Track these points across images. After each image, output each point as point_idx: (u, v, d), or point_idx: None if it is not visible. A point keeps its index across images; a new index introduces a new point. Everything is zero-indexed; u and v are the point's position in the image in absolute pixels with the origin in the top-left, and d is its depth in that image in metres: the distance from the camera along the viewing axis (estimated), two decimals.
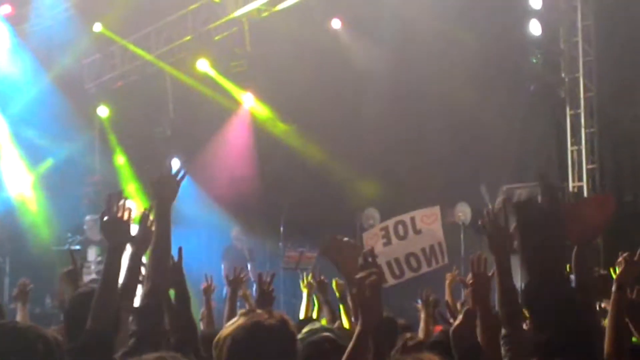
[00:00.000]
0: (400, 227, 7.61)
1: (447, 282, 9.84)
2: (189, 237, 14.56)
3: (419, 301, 8.51)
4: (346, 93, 17.28)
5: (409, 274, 7.26)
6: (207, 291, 9.12)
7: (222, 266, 17.04)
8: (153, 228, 5.43)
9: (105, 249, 14.25)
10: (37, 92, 19.37)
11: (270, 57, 17.86)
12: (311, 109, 17.35)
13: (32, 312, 16.34)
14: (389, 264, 7.32)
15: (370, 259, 4.93)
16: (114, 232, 4.94)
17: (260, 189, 18.46)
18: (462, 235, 15.57)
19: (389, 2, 16.36)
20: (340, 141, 17.25)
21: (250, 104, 18.85)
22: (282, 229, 17.40)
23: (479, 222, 5.04)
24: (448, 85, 15.73)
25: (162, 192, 5.25)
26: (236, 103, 19.00)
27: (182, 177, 5.25)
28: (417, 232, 7.55)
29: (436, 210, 7.67)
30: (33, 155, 19.53)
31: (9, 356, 3.73)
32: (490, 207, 4.94)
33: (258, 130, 18.91)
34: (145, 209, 5.60)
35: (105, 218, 4.93)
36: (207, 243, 18.15)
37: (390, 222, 7.61)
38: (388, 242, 7.54)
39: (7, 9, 20.04)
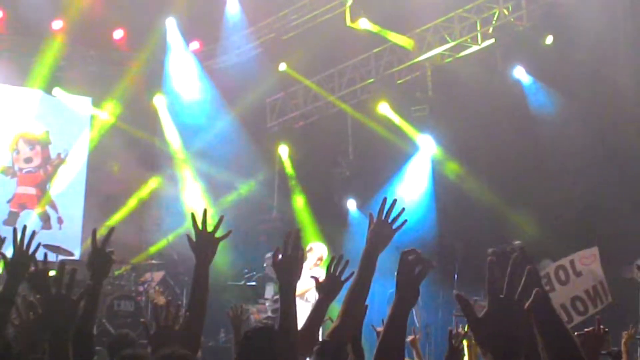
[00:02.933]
0: (561, 272, 7.91)
1: (624, 340, 10.19)
2: None
3: None
4: (527, 141, 17.47)
5: (577, 319, 7.61)
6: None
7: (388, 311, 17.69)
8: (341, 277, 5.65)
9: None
10: (221, 128, 20.64)
11: (452, 102, 18.36)
12: (492, 155, 17.74)
13: (206, 344, 17.48)
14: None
15: None
16: (288, 270, 5.15)
17: (437, 235, 18.92)
18: None
19: (573, 53, 16.69)
20: (519, 189, 17.44)
21: (429, 148, 19.37)
22: (455, 276, 17.84)
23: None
24: (634, 141, 15.93)
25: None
26: (416, 147, 19.53)
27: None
28: (578, 274, 7.83)
29: (594, 250, 7.96)
30: (213, 189, 20.70)
31: None
32: None
33: (436, 175, 19.43)
34: (333, 257, 5.72)
35: (281, 256, 5.13)
36: (381, 288, 18.76)
37: (551, 268, 7.94)
38: (551, 289, 7.82)
39: (195, 45, 21.45)
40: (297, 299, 14.48)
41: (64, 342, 4.06)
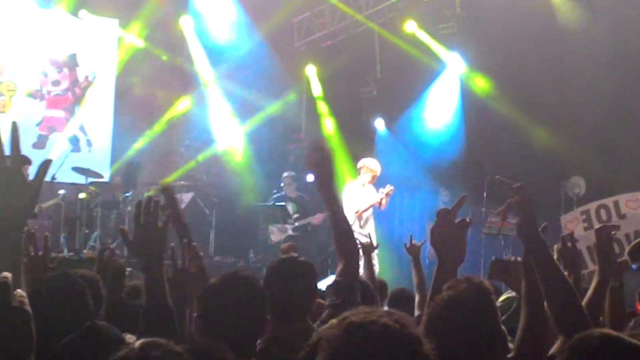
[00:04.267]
0: (602, 211, 7.72)
1: None
2: (392, 199, 15.39)
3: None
4: (557, 58, 17.35)
5: None
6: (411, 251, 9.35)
7: (426, 227, 17.89)
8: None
9: (301, 205, 15.25)
10: (248, 49, 20.55)
11: (480, 19, 18.19)
12: (520, 72, 17.64)
13: (237, 264, 17.69)
14: (589, 249, 7.33)
15: (569, 244, 5.36)
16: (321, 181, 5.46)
17: (465, 153, 18.96)
18: None
19: None
20: (549, 106, 17.40)
21: (457, 66, 19.30)
22: (485, 194, 17.88)
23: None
24: None
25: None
26: (444, 65, 19.48)
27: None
28: (622, 216, 7.63)
29: None
30: (241, 110, 20.70)
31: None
32: None
33: (465, 93, 19.37)
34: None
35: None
36: (410, 205, 18.83)
37: (592, 206, 7.75)
38: (590, 227, 7.61)
39: None
40: (354, 220, 14.48)
41: (158, 266, 4.37)
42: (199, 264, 5.12)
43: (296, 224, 17.65)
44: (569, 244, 5.34)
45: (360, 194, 14.78)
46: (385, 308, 6.35)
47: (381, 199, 14.66)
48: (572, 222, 7.67)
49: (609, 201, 7.60)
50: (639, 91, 16.32)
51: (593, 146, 16.90)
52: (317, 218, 17.50)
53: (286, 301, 5.11)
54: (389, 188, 14.75)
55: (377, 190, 14.92)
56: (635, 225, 7.50)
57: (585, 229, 7.57)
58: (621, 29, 16.42)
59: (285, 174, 18.22)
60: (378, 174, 14.96)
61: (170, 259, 4.98)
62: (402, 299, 8.39)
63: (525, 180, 17.09)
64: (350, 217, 14.72)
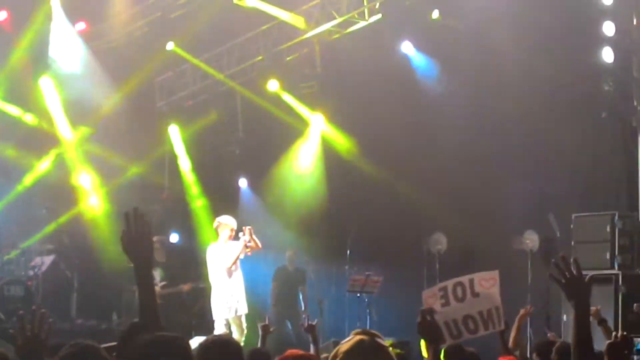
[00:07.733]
0: (459, 289, 7.89)
1: (519, 316, 10.36)
2: (256, 259, 15.11)
3: None
4: (417, 116, 17.48)
5: (466, 335, 7.63)
6: (265, 329, 9.99)
7: (271, 287, 17.74)
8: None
9: (169, 271, 14.97)
10: (109, 109, 20.10)
11: (341, 78, 18.26)
12: (381, 131, 17.68)
13: (99, 327, 17.14)
14: (446, 324, 7.56)
15: (428, 317, 5.46)
16: (136, 249, 4.94)
17: (328, 211, 18.82)
18: (529, 263, 15.83)
19: (461, 28, 16.70)
20: (410, 165, 17.44)
21: (319, 125, 19.22)
22: (348, 252, 17.78)
23: (549, 275, 5.00)
24: (520, 111, 15.97)
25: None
26: (306, 124, 19.38)
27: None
28: (475, 295, 7.81)
29: (495, 274, 7.94)
30: (104, 171, 20.20)
31: None
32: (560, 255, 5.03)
33: (327, 152, 19.27)
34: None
35: (126, 237, 4.89)
36: (274, 264, 18.57)
37: (450, 283, 7.89)
38: (446, 304, 7.82)
39: (81, 25, 20.81)
40: (224, 274, 14.06)
41: None
42: (47, 329, 4.80)
43: (159, 286, 17.22)
44: (428, 318, 5.36)
45: (224, 252, 14.42)
46: None
47: (245, 243, 14.25)
48: (432, 298, 7.74)
49: (465, 279, 7.76)
50: (495, 151, 16.51)
51: (454, 204, 17.00)
52: (187, 286, 17.35)
53: None
54: (246, 228, 14.43)
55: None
56: (487, 303, 7.70)
57: (443, 305, 7.67)
58: (479, 90, 16.66)
59: (155, 238, 17.80)
60: (235, 228, 14.61)
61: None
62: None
63: (387, 236, 17.26)
64: (221, 275, 14.36)
